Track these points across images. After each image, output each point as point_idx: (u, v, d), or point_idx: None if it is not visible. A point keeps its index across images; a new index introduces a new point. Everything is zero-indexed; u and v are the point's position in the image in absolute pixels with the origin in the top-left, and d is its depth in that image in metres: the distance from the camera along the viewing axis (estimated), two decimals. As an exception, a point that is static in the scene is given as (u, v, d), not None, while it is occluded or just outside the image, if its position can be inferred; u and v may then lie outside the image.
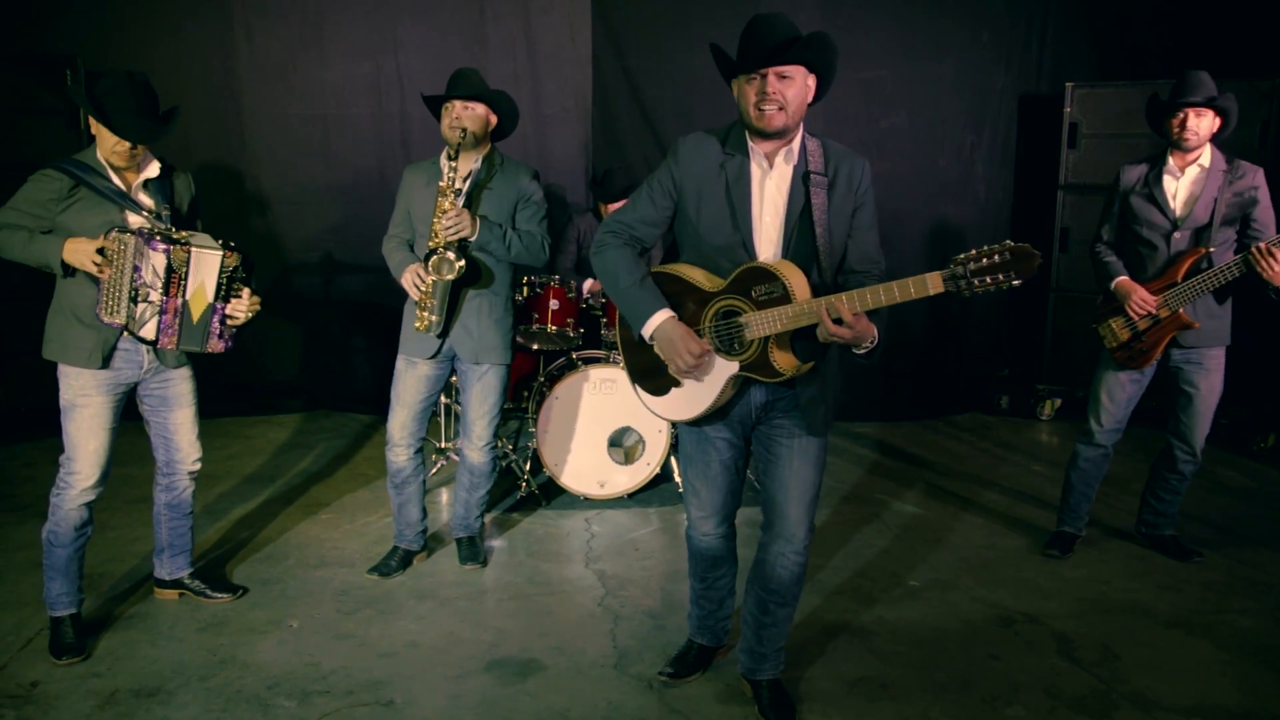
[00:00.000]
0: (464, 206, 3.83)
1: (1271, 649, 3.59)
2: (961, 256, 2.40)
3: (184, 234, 3.39)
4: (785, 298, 2.64)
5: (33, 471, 5.35)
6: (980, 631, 3.71)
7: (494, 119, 3.94)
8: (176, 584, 3.86)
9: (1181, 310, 4.01)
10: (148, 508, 3.84)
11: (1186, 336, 4.06)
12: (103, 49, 6.11)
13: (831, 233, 2.73)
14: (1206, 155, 4.07)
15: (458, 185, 3.87)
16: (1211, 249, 4.00)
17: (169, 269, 3.33)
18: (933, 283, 2.46)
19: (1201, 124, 3.98)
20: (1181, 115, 3.99)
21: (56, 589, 3.47)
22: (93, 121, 3.32)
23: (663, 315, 2.80)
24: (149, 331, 3.35)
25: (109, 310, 3.29)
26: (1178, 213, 4.08)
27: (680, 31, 6.54)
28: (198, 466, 3.74)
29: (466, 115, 3.83)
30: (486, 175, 3.93)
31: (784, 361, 2.71)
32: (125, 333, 3.36)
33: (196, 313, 3.44)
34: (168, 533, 3.79)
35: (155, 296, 3.33)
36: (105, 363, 3.38)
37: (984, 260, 2.37)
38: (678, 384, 2.90)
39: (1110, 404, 4.25)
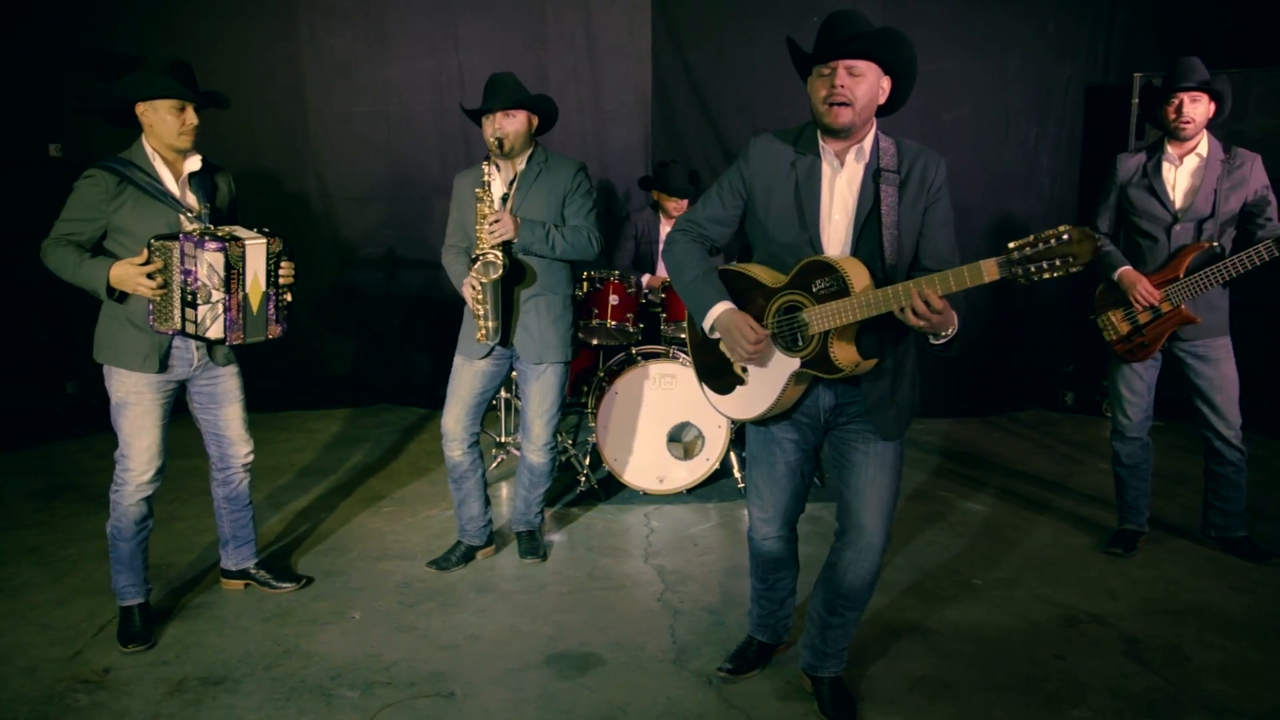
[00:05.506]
0: (507, 209, 3.84)
1: (1350, 654, 3.49)
2: (1015, 244, 2.29)
3: (225, 229, 3.35)
4: (844, 291, 2.57)
5: (105, 463, 5.39)
6: (1045, 631, 3.65)
7: (535, 120, 3.95)
8: (242, 574, 3.93)
9: (1184, 305, 3.97)
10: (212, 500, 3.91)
11: (1186, 330, 4.02)
12: (169, 47, 6.19)
13: (900, 230, 2.66)
14: (1204, 144, 4.02)
15: (501, 190, 3.91)
16: (1215, 243, 3.95)
17: (228, 266, 3.28)
18: (987, 270, 2.36)
19: (1197, 109, 3.94)
20: (1176, 101, 3.95)
21: (123, 580, 3.55)
22: (145, 113, 3.32)
23: (723, 306, 2.79)
24: (216, 331, 3.32)
25: (161, 319, 3.31)
26: (1178, 204, 4.02)
27: (740, 26, 6.51)
28: (250, 459, 3.79)
29: (508, 123, 3.84)
30: (532, 175, 3.95)
31: (843, 357, 2.64)
32: (182, 336, 3.36)
33: (256, 304, 3.44)
34: (230, 525, 3.86)
35: (218, 295, 3.28)
36: (162, 366, 3.42)
37: (1040, 245, 2.27)
38: (742, 382, 2.88)
39: (1131, 395, 4.22)
